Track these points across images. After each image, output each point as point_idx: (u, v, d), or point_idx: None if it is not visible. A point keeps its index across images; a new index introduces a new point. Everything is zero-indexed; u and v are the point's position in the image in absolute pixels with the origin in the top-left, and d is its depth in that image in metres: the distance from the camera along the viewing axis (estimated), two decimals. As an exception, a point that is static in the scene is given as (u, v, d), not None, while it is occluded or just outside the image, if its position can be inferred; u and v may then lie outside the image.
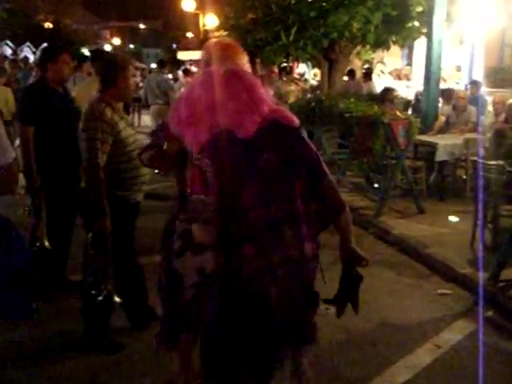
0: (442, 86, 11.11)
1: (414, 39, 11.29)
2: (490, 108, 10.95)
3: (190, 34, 39.38)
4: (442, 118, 9.72)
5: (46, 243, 4.88)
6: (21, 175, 5.14)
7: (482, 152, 8.47)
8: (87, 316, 4.48)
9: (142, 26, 55.85)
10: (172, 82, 14.01)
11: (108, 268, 4.21)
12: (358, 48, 11.91)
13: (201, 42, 27.01)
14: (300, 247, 2.75)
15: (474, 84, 11.15)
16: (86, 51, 22.34)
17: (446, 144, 8.63)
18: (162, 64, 13.19)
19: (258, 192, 2.65)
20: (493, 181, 6.52)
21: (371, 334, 4.85)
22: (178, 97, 2.87)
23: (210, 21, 28.33)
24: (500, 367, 4.44)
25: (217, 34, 23.24)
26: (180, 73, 17.08)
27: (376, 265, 6.26)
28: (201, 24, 29.25)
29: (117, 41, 52.21)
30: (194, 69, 19.42)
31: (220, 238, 2.69)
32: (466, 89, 13.01)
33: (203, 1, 27.53)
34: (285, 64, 13.04)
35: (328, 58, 11.43)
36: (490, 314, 5.34)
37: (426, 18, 10.14)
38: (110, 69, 4.31)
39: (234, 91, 2.65)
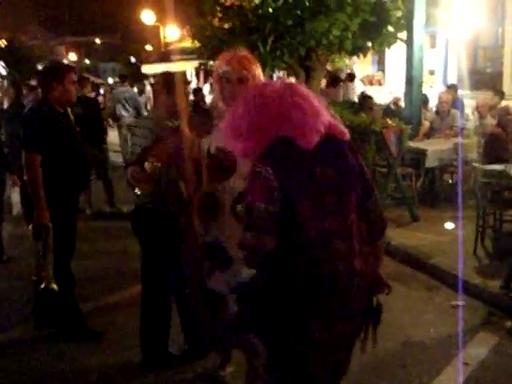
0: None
1: (390, 45, 11.15)
2: (467, 111, 10.93)
3: (148, 47, 38.95)
4: (426, 124, 9.62)
5: (54, 285, 4.45)
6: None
7: (473, 156, 8.43)
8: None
9: (97, 41, 55.17)
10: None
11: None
12: (333, 56, 11.76)
13: (162, 54, 26.69)
14: (349, 262, 2.63)
15: (453, 88, 11.08)
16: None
17: (435, 150, 8.51)
18: (123, 78, 13.33)
19: (312, 204, 2.58)
20: (495, 186, 6.40)
21: (398, 354, 4.63)
22: (230, 111, 2.79)
23: (171, 33, 28.08)
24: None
25: (182, 45, 23.03)
26: (148, 87, 16.81)
27: (383, 278, 6.05)
28: (162, 36, 28.91)
29: (73, 56, 51.43)
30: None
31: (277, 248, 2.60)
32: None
33: (163, 13, 27.18)
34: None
35: (304, 66, 11.22)
36: (509, 324, 5.19)
37: (405, 22, 10.04)
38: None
39: (294, 102, 2.61)
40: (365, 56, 11.50)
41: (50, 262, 4.43)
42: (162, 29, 28.55)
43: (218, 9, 11.19)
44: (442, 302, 5.71)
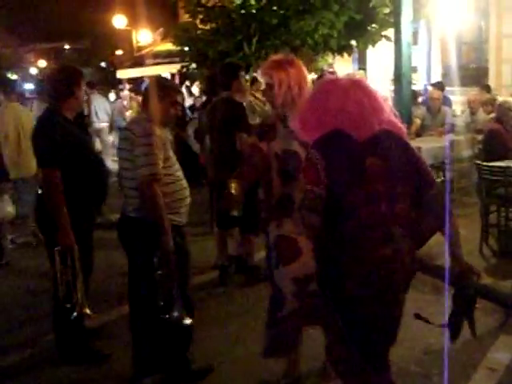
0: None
1: (375, 43, 11.00)
2: (454, 107, 10.83)
3: (119, 52, 38.42)
4: (418, 121, 9.46)
5: (87, 310, 4.14)
6: None
7: (468, 153, 8.32)
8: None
9: (66, 47, 54.43)
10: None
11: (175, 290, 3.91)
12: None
13: (136, 58, 26.30)
14: (391, 248, 2.87)
15: (438, 85, 10.94)
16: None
17: (429, 147, 8.34)
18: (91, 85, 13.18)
19: (358, 192, 2.82)
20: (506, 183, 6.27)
21: (420, 363, 4.44)
22: (302, 106, 3.12)
23: (143, 37, 27.79)
24: None
25: (156, 49, 22.72)
26: (126, 92, 16.48)
27: (390, 282, 5.86)
28: (134, 40, 28.54)
29: (42, 63, 50.67)
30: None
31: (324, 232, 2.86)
32: (426, 90, 12.95)
33: (135, 17, 26.82)
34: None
35: (289, 66, 11.02)
36: (527, 325, 5.03)
37: (393, 19, 9.90)
38: (148, 90, 4.11)
39: (356, 97, 2.85)
40: (349, 55, 11.35)
41: (81, 286, 4.14)
42: (134, 33, 28.18)
43: (199, 9, 10.94)
44: (455, 305, 5.53)
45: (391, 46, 11.26)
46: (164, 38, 26.39)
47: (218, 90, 6.26)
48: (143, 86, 19.72)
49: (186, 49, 11.30)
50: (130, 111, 15.07)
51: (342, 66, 16.78)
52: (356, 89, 2.87)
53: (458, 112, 10.60)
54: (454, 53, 10.96)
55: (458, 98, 10.68)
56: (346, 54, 11.76)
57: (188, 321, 3.98)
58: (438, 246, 6.73)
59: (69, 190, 4.14)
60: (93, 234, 4.69)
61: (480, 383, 4.21)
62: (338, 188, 2.81)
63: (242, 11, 9.95)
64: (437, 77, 13.51)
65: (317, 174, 2.82)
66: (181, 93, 4.29)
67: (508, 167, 6.14)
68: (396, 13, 9.45)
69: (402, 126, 2.99)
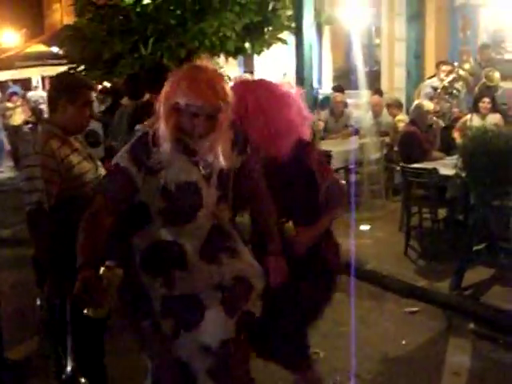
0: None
1: (271, 45, 10.86)
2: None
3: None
4: (321, 124, 9.44)
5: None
6: None
7: (377, 156, 8.39)
8: None
9: None
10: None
11: (68, 341, 3.23)
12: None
13: (2, 60, 24.73)
14: None
15: (340, 88, 10.99)
16: None
17: (340, 150, 8.32)
18: None
19: None
20: (429, 185, 6.30)
21: (382, 374, 4.26)
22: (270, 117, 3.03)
23: (7, 38, 26.26)
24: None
25: (27, 50, 21.46)
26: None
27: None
28: (-2, 42, 26.78)
29: None
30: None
31: None
32: (317, 93, 13.03)
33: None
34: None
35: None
36: (472, 326, 5.02)
37: (286, 22, 9.89)
38: (56, 91, 3.39)
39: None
40: (247, 57, 11.17)
41: None
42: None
43: (89, 8, 10.30)
44: (395, 310, 5.44)
45: (280, 48, 11.27)
46: (29, 39, 25.02)
47: (140, 92, 5.83)
48: (11, 90, 18.52)
49: (56, 51, 10.58)
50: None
51: (227, 71, 16.63)
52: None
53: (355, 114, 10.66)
54: (345, 55, 11.05)
55: (352, 101, 10.72)
56: (231, 58, 11.54)
57: (83, 380, 3.18)
58: (359, 250, 6.71)
59: None
60: None
61: (451, 390, 4.12)
62: None
63: (138, 10, 9.45)
64: (328, 80, 13.61)
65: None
66: (94, 90, 3.71)
67: (434, 169, 6.18)
68: (298, 16, 9.41)
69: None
